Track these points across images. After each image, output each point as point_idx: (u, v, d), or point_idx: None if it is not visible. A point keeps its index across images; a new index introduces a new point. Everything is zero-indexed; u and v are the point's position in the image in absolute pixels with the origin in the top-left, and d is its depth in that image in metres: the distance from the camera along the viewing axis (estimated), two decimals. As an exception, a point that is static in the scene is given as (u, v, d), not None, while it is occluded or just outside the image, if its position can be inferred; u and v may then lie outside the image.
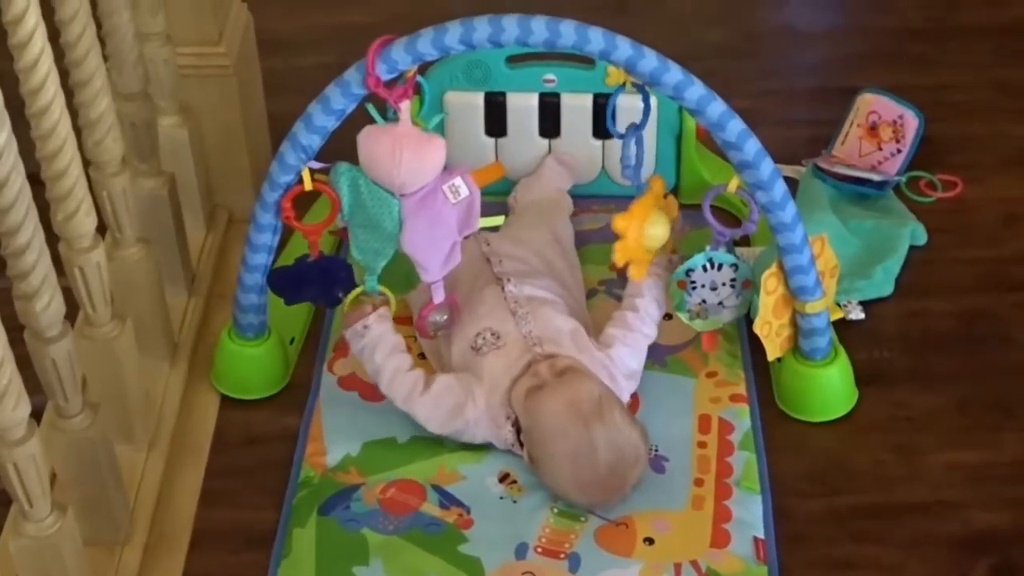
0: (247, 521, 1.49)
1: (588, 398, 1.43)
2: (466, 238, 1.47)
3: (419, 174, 1.43)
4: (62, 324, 1.26)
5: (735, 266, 1.53)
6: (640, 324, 1.54)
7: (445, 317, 1.54)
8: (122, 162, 1.44)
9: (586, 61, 1.73)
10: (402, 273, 1.51)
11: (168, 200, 1.61)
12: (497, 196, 1.76)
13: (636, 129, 1.59)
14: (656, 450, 1.51)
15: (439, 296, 1.52)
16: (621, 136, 1.60)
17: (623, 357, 1.53)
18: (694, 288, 1.54)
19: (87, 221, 1.33)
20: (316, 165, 1.45)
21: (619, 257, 1.49)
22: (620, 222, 1.48)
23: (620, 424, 1.43)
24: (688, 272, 1.54)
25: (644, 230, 1.50)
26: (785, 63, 2.19)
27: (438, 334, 1.55)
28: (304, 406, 1.59)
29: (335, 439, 1.54)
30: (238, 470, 1.54)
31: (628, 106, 1.64)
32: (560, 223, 1.74)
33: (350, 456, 1.52)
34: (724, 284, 1.55)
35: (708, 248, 1.53)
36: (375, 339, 1.51)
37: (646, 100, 1.58)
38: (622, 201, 1.59)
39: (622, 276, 1.68)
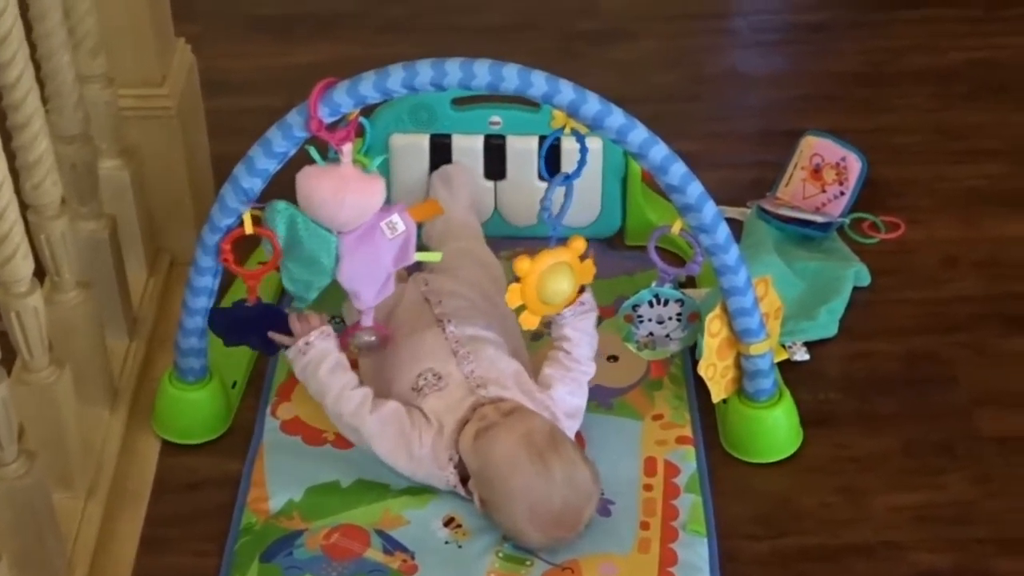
0: (188, 568, 1.47)
1: (540, 430, 1.43)
2: (407, 276, 1.47)
3: (361, 214, 1.45)
4: (-2, 370, 1.24)
5: (680, 301, 1.54)
6: (575, 362, 1.54)
7: (374, 339, 1.54)
8: (61, 205, 1.43)
9: (532, 103, 1.73)
10: (329, 297, 1.52)
11: (109, 243, 1.59)
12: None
13: (567, 178, 1.56)
14: (603, 493, 1.51)
15: (368, 321, 1.52)
16: (548, 179, 1.58)
17: (563, 396, 1.52)
18: (641, 322, 1.55)
19: (24, 265, 1.31)
20: (255, 205, 1.45)
21: (510, 298, 1.45)
22: (521, 265, 1.44)
23: (573, 457, 1.43)
24: (635, 307, 1.54)
25: (545, 281, 1.45)
26: (731, 106, 2.21)
27: (359, 352, 1.54)
28: (246, 451, 1.58)
29: (278, 484, 1.53)
30: (179, 516, 1.52)
31: (573, 148, 1.64)
32: (482, 250, 1.72)
33: (293, 501, 1.51)
34: (671, 318, 1.56)
35: (654, 284, 1.53)
36: (318, 356, 1.50)
37: (582, 148, 1.56)
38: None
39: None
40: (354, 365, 1.56)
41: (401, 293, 1.60)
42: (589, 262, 1.48)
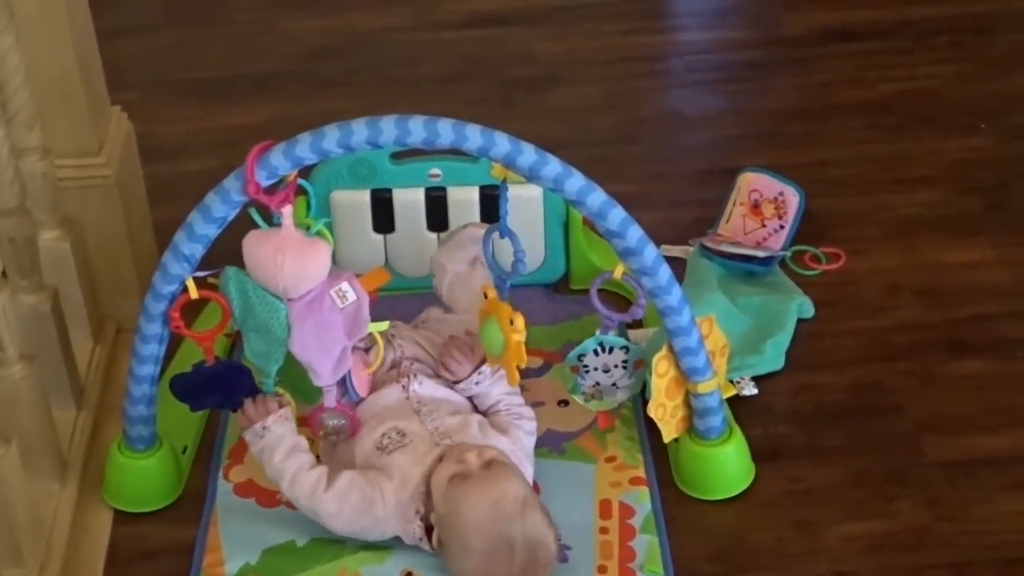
0: (145, 640, 1.46)
1: (514, 498, 1.41)
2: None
3: (302, 279, 1.43)
4: (-59, 449, 1.23)
5: (626, 348, 1.55)
6: (516, 416, 1.56)
7: (343, 422, 1.53)
8: (1, 279, 1.42)
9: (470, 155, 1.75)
10: (295, 375, 1.51)
11: (52, 315, 1.58)
12: (392, 291, 1.75)
13: (493, 229, 1.58)
14: (559, 539, 1.51)
15: (330, 400, 1.51)
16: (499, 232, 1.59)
17: (521, 437, 1.53)
18: (587, 371, 1.56)
19: (-35, 342, 1.30)
20: (202, 274, 1.44)
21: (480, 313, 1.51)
22: (488, 288, 1.51)
23: (540, 526, 1.42)
24: (580, 357, 1.55)
25: (490, 322, 1.48)
26: (670, 147, 2.24)
27: (329, 437, 1.54)
28: (199, 516, 1.57)
29: (233, 548, 1.52)
30: (134, 587, 1.51)
31: (517, 195, 1.65)
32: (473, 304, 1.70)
33: (249, 565, 1.50)
34: (616, 366, 1.56)
35: (598, 332, 1.54)
36: (275, 440, 1.49)
37: (503, 196, 1.56)
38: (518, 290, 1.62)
39: None
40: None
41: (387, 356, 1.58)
42: (522, 352, 1.47)
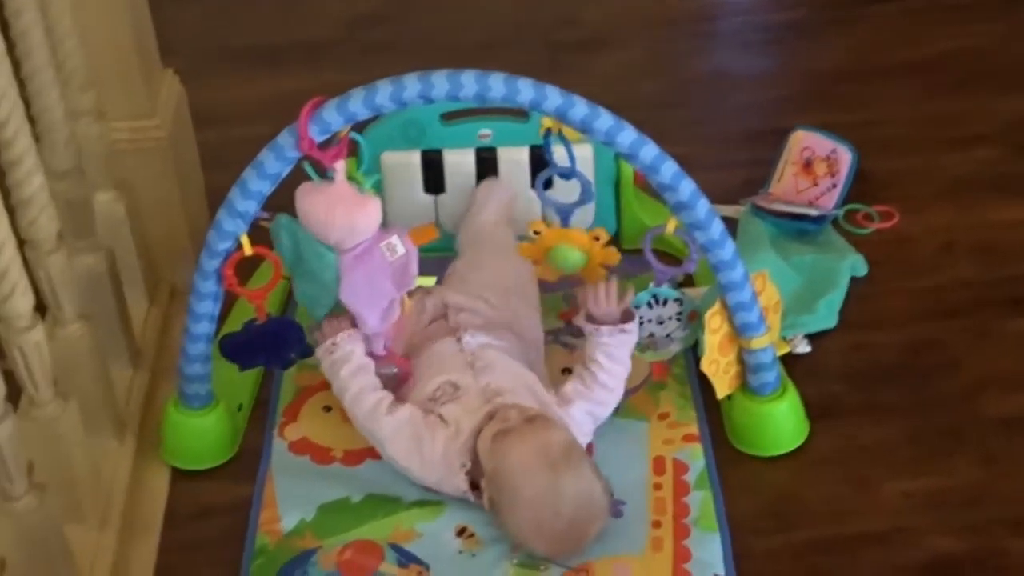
0: (204, 594, 1.47)
1: (558, 445, 1.42)
2: (424, 294, 1.47)
3: (352, 234, 1.45)
4: (4, 406, 1.24)
5: (679, 300, 1.55)
6: (600, 387, 1.51)
7: (393, 371, 1.54)
8: (58, 240, 1.43)
9: (520, 114, 1.74)
10: None
11: (108, 276, 1.60)
12: (441, 252, 1.76)
13: (558, 171, 1.60)
14: (612, 495, 1.50)
15: (378, 347, 1.53)
16: (566, 175, 1.61)
17: (581, 416, 1.51)
18: (641, 324, 1.56)
19: (23, 301, 1.31)
20: (263, 214, 1.45)
21: (522, 251, 1.61)
22: (537, 224, 1.59)
23: (587, 475, 1.42)
24: (634, 309, 1.55)
25: (559, 246, 1.55)
26: (718, 109, 2.22)
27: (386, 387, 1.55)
28: (255, 474, 1.58)
29: (289, 505, 1.53)
30: (192, 543, 1.52)
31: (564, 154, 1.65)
32: (506, 265, 1.71)
33: (305, 521, 1.51)
34: (670, 318, 1.57)
35: (651, 285, 1.54)
36: (343, 356, 1.51)
37: (570, 155, 1.57)
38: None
39: (570, 326, 1.70)
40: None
41: (423, 306, 1.61)
42: (613, 250, 1.56)
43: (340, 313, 1.53)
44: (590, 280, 1.59)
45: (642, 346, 1.58)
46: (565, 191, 1.64)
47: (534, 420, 1.45)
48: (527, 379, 1.53)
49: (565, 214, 1.62)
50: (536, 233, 1.60)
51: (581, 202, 1.60)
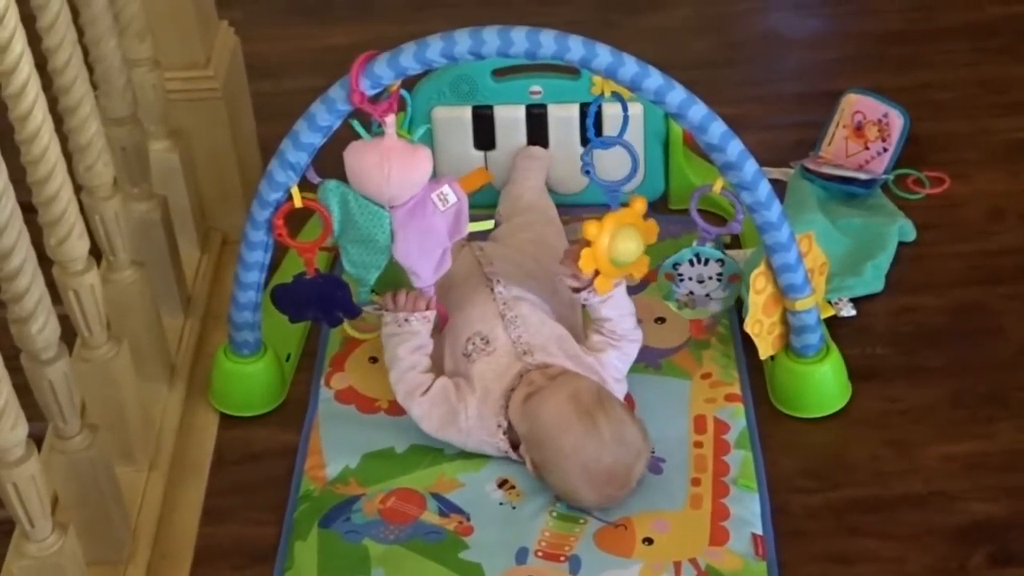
0: (249, 537, 1.50)
1: (587, 392, 1.45)
2: (461, 244, 1.48)
3: (408, 186, 1.45)
4: (58, 346, 1.27)
5: (721, 261, 1.55)
6: (621, 337, 1.54)
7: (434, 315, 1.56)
8: (113, 186, 1.46)
9: (571, 72, 1.75)
10: (390, 278, 1.53)
11: (161, 223, 1.62)
12: (485, 208, 1.77)
13: (604, 142, 1.61)
14: (653, 451, 1.52)
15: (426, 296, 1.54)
16: (603, 144, 1.61)
17: (612, 361, 1.54)
18: (681, 280, 1.57)
19: (79, 245, 1.34)
20: (313, 177, 1.47)
21: (584, 263, 1.46)
22: (591, 229, 1.44)
23: (621, 415, 1.45)
24: (675, 265, 1.56)
25: (615, 242, 1.46)
26: (769, 70, 2.21)
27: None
28: (302, 421, 1.61)
29: (334, 452, 1.55)
30: (239, 487, 1.55)
31: (614, 114, 1.65)
32: (547, 229, 1.74)
33: (349, 468, 1.53)
34: (711, 278, 1.57)
35: (695, 244, 1.54)
36: (409, 334, 1.53)
37: (624, 110, 1.59)
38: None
39: None
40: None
41: (457, 257, 1.61)
42: (652, 222, 1.50)
43: (407, 289, 1.53)
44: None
45: (680, 303, 1.59)
46: (607, 162, 1.64)
47: (557, 376, 1.47)
48: (557, 332, 1.54)
49: (614, 193, 1.61)
50: (588, 244, 1.46)
51: (629, 178, 1.61)
